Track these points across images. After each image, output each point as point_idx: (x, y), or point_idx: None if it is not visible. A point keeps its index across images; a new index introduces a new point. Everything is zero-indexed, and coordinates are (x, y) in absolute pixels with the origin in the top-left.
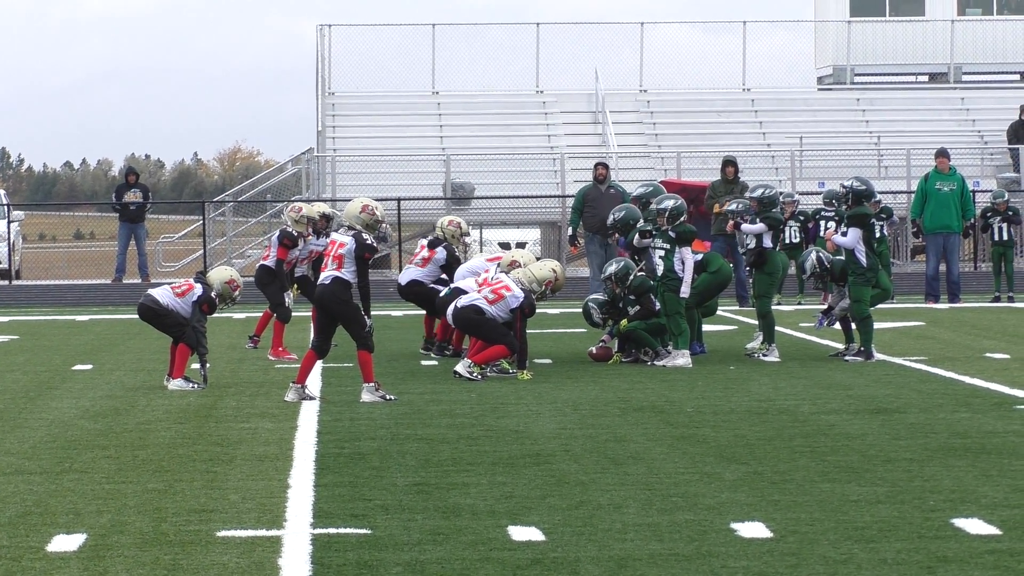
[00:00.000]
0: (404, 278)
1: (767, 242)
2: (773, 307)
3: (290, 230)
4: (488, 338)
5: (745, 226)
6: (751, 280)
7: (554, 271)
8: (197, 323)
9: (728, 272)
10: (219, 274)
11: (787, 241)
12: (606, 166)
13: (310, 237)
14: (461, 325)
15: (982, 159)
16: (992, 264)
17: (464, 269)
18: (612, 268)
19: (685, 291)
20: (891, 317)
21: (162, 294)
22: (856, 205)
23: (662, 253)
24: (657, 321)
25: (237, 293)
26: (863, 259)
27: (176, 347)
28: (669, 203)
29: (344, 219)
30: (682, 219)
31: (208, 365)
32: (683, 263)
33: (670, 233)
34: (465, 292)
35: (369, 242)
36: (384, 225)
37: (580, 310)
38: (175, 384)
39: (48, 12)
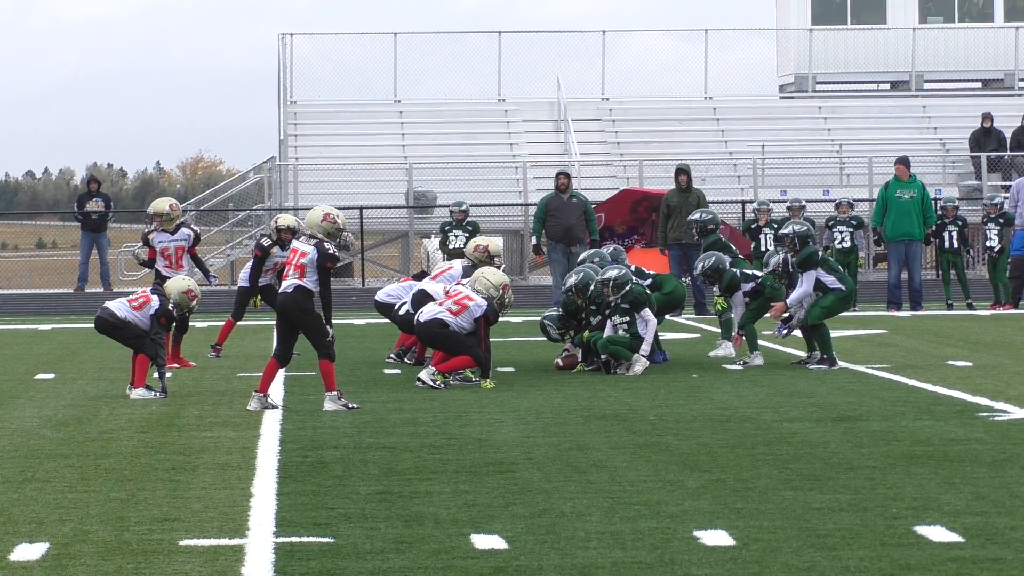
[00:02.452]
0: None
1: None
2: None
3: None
4: (453, 350)
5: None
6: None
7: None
8: (155, 335)
9: (682, 292)
10: (176, 284)
11: (763, 248)
12: (568, 175)
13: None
14: (426, 339)
15: (944, 167)
16: (942, 272)
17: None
18: (572, 280)
19: (646, 349)
20: (853, 325)
21: (118, 307)
22: (803, 247)
23: (625, 326)
24: (627, 337)
25: (194, 303)
26: (841, 287)
27: (137, 357)
28: (612, 273)
29: (305, 228)
30: (628, 286)
31: (168, 375)
32: (646, 324)
33: (623, 305)
34: (431, 299)
35: (331, 251)
36: (346, 234)
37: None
38: (137, 393)
39: (7, 23)
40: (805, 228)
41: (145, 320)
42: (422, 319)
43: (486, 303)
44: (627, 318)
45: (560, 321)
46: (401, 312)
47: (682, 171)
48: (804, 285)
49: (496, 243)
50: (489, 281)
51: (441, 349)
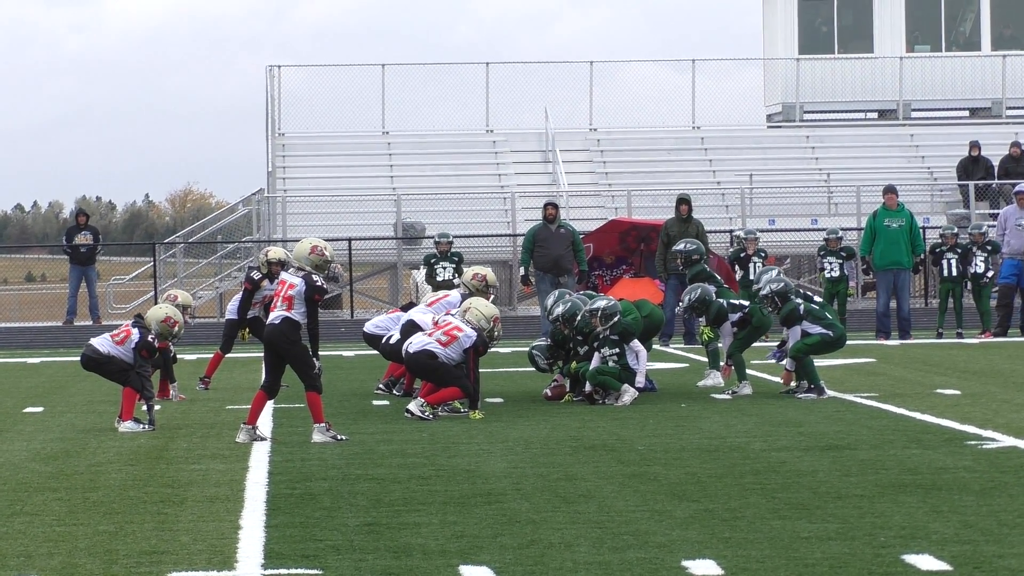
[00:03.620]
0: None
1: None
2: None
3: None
4: (442, 382)
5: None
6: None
7: (496, 313)
8: (140, 368)
9: (660, 316)
10: (155, 314)
11: (750, 278)
12: (556, 206)
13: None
14: (415, 370)
15: (932, 195)
16: (940, 300)
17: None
18: (559, 310)
19: (641, 381)
20: (842, 354)
21: (101, 343)
22: (784, 304)
23: (615, 358)
24: (616, 368)
25: (177, 329)
26: (829, 332)
27: (125, 390)
28: (600, 303)
29: (293, 260)
30: (616, 317)
31: (157, 407)
32: (636, 356)
33: (612, 337)
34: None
35: (319, 284)
36: (334, 265)
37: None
38: (125, 426)
39: (5, 56)
40: (782, 285)
41: (128, 354)
42: (411, 350)
43: (475, 334)
44: (616, 349)
45: (548, 351)
46: (391, 343)
47: (683, 201)
48: (791, 340)
49: (492, 274)
50: (481, 313)
51: (430, 380)
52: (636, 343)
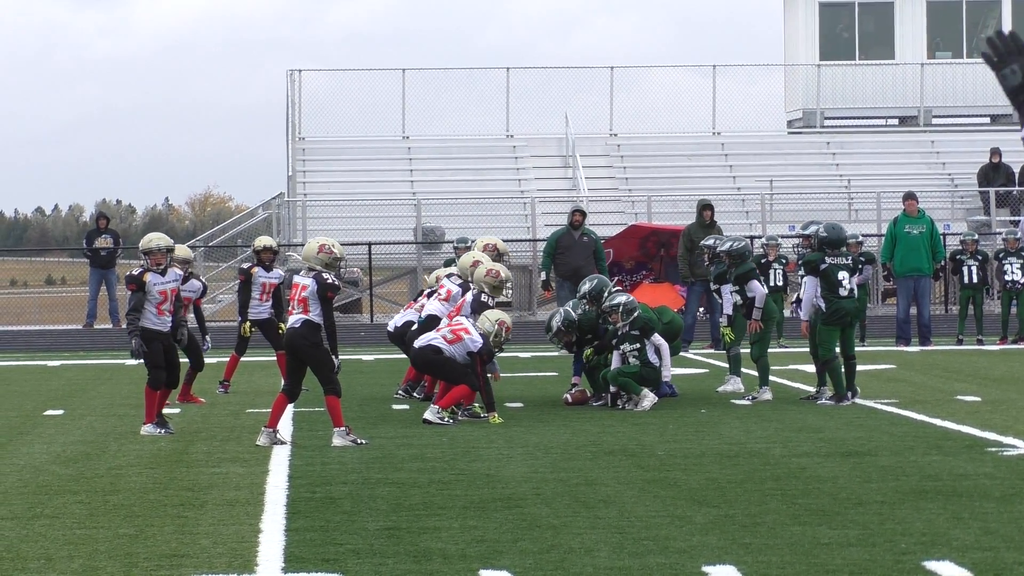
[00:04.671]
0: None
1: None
2: (777, 349)
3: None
4: (448, 377)
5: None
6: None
7: (501, 318)
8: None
9: (680, 323)
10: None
11: (771, 284)
12: (583, 213)
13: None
14: (420, 366)
15: (952, 202)
16: (960, 307)
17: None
18: (587, 286)
19: (667, 375)
20: (862, 360)
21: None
22: (819, 249)
23: (636, 353)
24: (637, 367)
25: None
26: (822, 304)
27: (164, 392)
28: (621, 299)
29: (303, 260)
30: (636, 312)
31: (176, 411)
32: (658, 352)
33: (632, 332)
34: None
35: (330, 281)
36: (354, 269)
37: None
38: (145, 430)
39: (18, 63)
40: (828, 234)
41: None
42: (417, 346)
43: (482, 341)
44: (637, 345)
45: (569, 324)
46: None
47: (706, 206)
48: (807, 288)
49: (505, 270)
50: (488, 319)
51: (435, 376)
52: (657, 337)
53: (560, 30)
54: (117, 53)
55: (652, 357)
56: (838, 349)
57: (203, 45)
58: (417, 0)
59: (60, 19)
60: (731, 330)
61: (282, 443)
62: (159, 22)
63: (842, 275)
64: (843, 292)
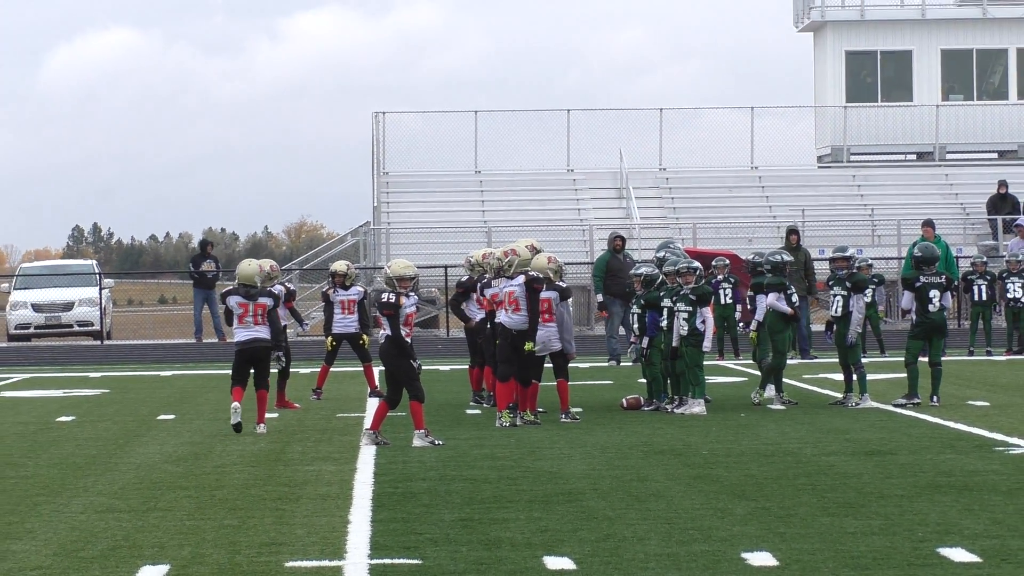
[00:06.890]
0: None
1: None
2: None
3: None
4: (404, 381)
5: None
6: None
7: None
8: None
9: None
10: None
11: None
12: (623, 238)
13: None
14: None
15: (964, 228)
16: (971, 322)
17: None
18: (644, 269)
19: (707, 345)
20: (883, 370)
21: None
22: (915, 267)
23: (685, 315)
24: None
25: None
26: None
27: (258, 393)
28: (697, 265)
29: (384, 282)
30: (703, 281)
31: (274, 415)
32: (704, 321)
33: (691, 296)
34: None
35: (385, 299)
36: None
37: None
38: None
39: (153, 104)
40: (779, 257)
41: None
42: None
43: (521, 280)
44: (690, 308)
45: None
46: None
47: (793, 231)
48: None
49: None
50: (537, 260)
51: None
52: (707, 311)
53: (623, 76)
54: (236, 96)
55: (699, 324)
56: (925, 359)
57: (311, 90)
58: (503, 49)
59: (192, 64)
60: (757, 334)
61: (384, 444)
62: (277, 69)
63: (933, 293)
64: (932, 308)
